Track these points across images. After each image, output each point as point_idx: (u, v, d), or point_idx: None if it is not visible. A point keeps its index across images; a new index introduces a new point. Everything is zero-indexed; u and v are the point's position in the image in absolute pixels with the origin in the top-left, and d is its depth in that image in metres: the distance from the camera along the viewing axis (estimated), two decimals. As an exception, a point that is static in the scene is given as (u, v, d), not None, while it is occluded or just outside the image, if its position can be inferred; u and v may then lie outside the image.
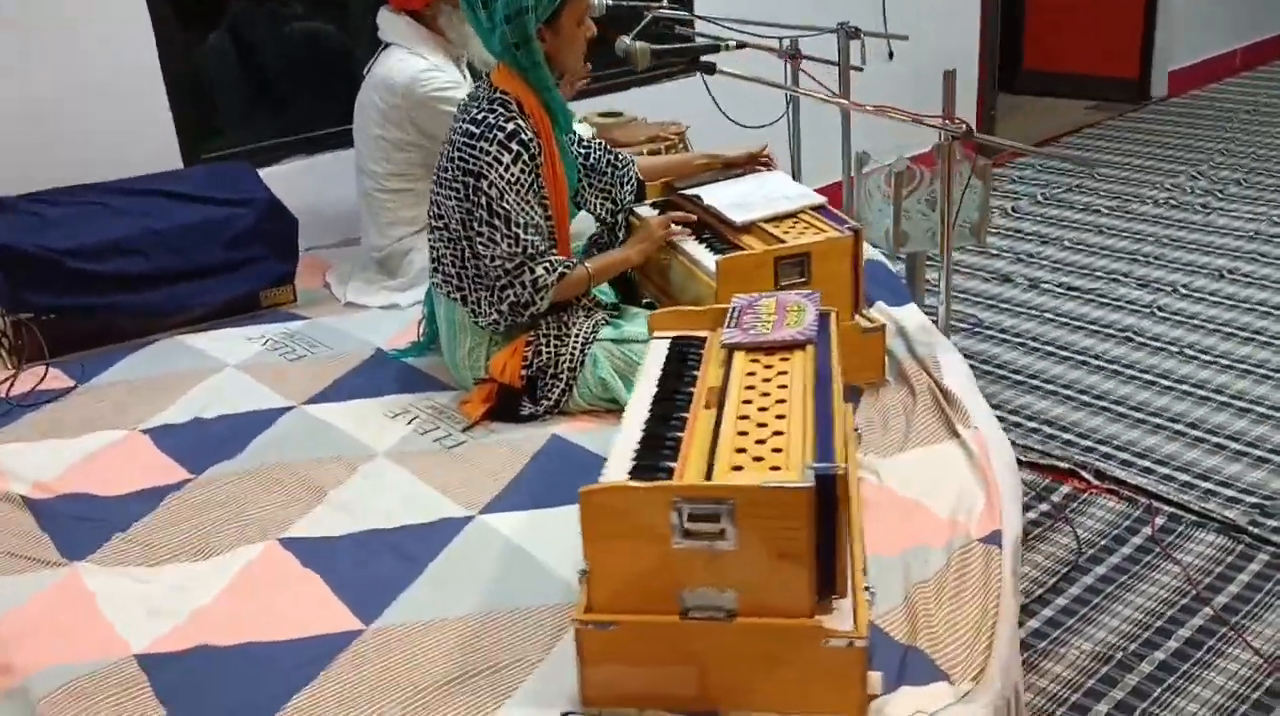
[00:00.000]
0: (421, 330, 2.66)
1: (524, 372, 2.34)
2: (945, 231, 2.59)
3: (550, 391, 2.34)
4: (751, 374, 1.71)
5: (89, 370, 2.70)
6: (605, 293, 2.61)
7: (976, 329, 3.80)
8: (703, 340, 1.91)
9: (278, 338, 2.84)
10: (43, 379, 2.66)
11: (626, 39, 3.20)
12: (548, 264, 2.30)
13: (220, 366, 2.69)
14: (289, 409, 2.45)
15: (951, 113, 2.51)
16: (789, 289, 2.25)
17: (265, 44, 3.59)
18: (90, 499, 2.15)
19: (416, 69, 2.95)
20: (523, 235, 2.27)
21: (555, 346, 2.34)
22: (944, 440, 2.12)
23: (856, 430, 2.03)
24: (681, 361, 1.85)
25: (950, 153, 2.50)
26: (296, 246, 3.10)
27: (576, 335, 2.35)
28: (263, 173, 3.34)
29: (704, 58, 2.68)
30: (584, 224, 2.80)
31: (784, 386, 1.66)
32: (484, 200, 2.27)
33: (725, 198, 2.54)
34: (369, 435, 2.32)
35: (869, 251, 3.01)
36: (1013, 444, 3.01)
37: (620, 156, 2.70)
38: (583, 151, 2.64)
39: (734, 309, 1.91)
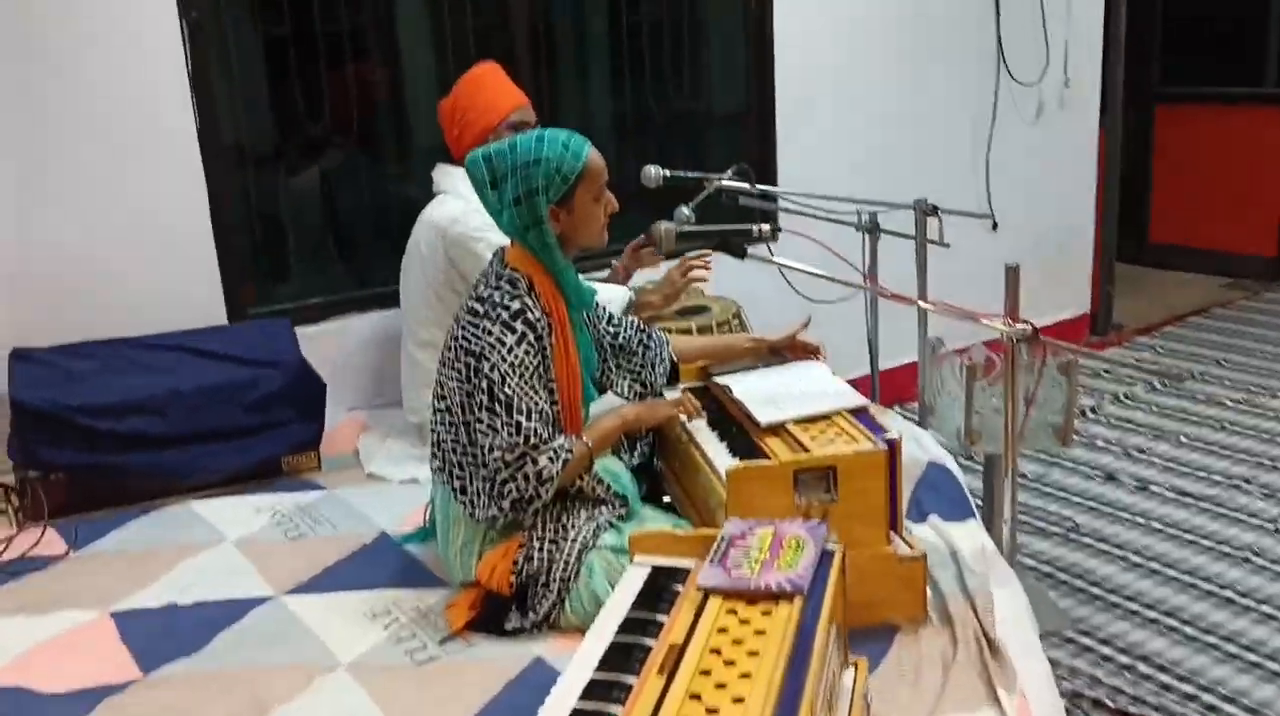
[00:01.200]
0: (428, 516, 2.45)
1: (513, 579, 2.10)
2: (1009, 441, 2.27)
3: (540, 603, 2.08)
4: (723, 631, 1.43)
5: (85, 535, 2.58)
6: (624, 485, 2.35)
7: (1071, 535, 3.40)
8: (686, 573, 1.64)
9: (287, 510, 2.69)
10: (37, 543, 2.54)
11: (685, 209, 3.07)
12: (551, 453, 2.07)
13: (219, 540, 2.54)
14: (267, 600, 2.26)
15: (1015, 310, 2.22)
16: (814, 502, 1.97)
17: (318, 201, 3.54)
18: (28, 696, 1.98)
19: (457, 209, 2.91)
20: (525, 423, 2.06)
21: (549, 551, 2.10)
22: (980, 707, 1.77)
23: (866, 697, 1.71)
24: (655, 600, 1.58)
25: (1014, 356, 2.21)
26: (323, 411, 2.97)
27: (574, 540, 2.10)
28: (311, 329, 3.27)
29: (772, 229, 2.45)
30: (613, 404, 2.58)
31: (754, 652, 1.37)
32: (485, 384, 2.08)
33: (757, 391, 2.29)
34: (338, 639, 2.10)
35: (934, 453, 2.71)
36: (1098, 683, 2.64)
37: (654, 336, 2.49)
38: (611, 330, 2.44)
39: (723, 538, 1.64)
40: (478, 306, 2.14)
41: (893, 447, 2.00)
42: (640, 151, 3.76)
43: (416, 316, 3.02)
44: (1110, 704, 2.57)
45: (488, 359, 2.08)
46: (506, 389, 2.06)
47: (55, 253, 2.93)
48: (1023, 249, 4.84)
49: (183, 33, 3.00)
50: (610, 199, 2.23)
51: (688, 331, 2.93)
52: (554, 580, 2.08)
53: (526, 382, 2.07)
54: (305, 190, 3.51)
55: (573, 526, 2.12)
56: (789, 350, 2.55)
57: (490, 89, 2.94)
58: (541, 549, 2.10)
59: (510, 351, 2.07)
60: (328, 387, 3.13)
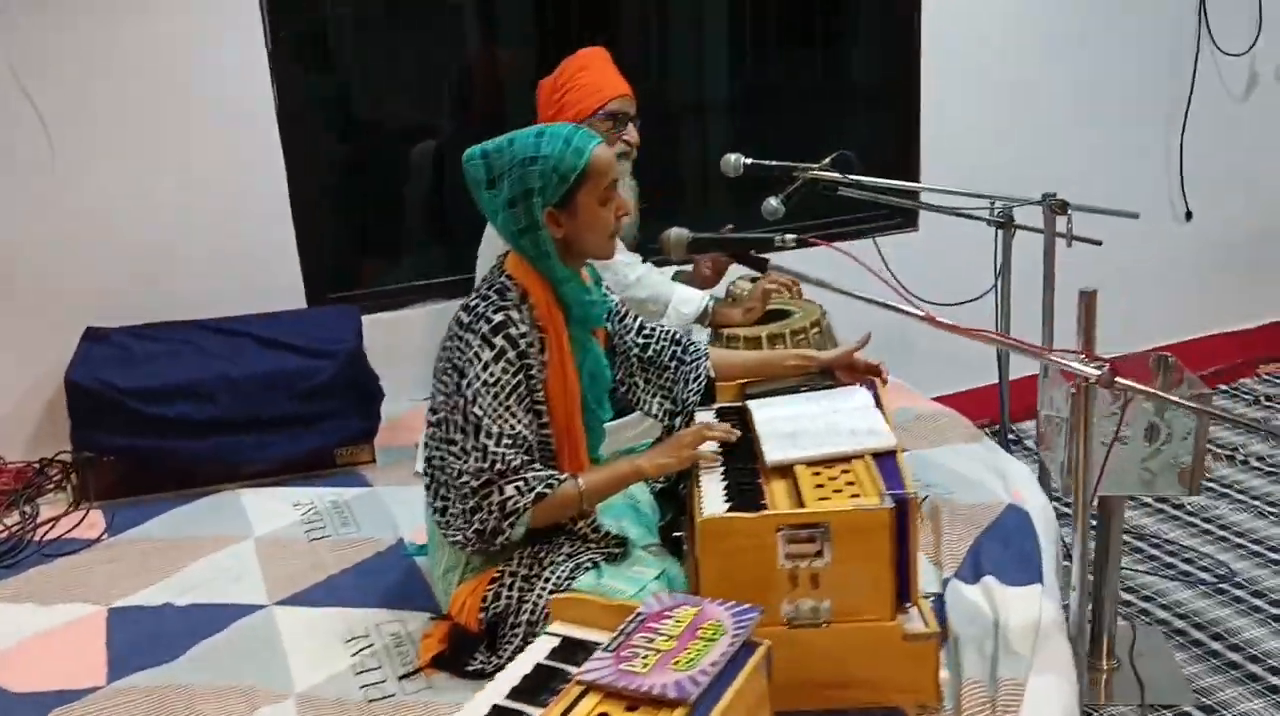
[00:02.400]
0: (434, 530, 2.30)
1: (481, 616, 1.91)
2: (1078, 492, 1.89)
3: (505, 645, 1.89)
4: (580, 742, 1.20)
5: (122, 521, 2.58)
6: (642, 515, 2.13)
7: (1222, 584, 2.91)
8: (595, 648, 1.40)
9: (321, 507, 2.61)
10: (76, 525, 2.56)
11: (774, 201, 2.81)
12: (520, 483, 1.86)
13: (245, 535, 2.49)
14: (256, 609, 2.17)
15: (1090, 344, 1.84)
16: (800, 564, 1.69)
17: (401, 185, 3.42)
18: (-3, 692, 1.96)
19: None
20: (492, 448, 1.86)
21: (520, 590, 1.90)
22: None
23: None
24: (540, 688, 1.36)
25: (1086, 400, 1.82)
26: (377, 404, 2.88)
27: (548, 579, 1.89)
28: (388, 316, 3.21)
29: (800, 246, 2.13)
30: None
31: (597, 780, 1.13)
32: (461, 403, 1.90)
33: (780, 421, 2.00)
34: (303, 663, 1.98)
35: (1021, 494, 2.34)
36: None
37: (691, 350, 2.23)
38: (640, 341, 2.20)
39: (636, 617, 1.39)
40: (464, 316, 1.95)
41: (902, 506, 1.67)
42: (758, 131, 3.44)
43: None
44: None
45: (465, 374, 1.90)
46: (477, 409, 1.87)
47: (142, 228, 2.92)
48: (1221, 243, 4.26)
49: (262, 5, 2.93)
50: (622, 202, 1.99)
51: (757, 340, 2.64)
52: (522, 622, 1.88)
53: (501, 403, 1.87)
54: (387, 176, 3.41)
55: (550, 563, 1.91)
56: (844, 371, 2.22)
57: (596, 72, 2.76)
58: (512, 587, 1.90)
59: (486, 367, 1.87)
60: (402, 375, 3.05)
